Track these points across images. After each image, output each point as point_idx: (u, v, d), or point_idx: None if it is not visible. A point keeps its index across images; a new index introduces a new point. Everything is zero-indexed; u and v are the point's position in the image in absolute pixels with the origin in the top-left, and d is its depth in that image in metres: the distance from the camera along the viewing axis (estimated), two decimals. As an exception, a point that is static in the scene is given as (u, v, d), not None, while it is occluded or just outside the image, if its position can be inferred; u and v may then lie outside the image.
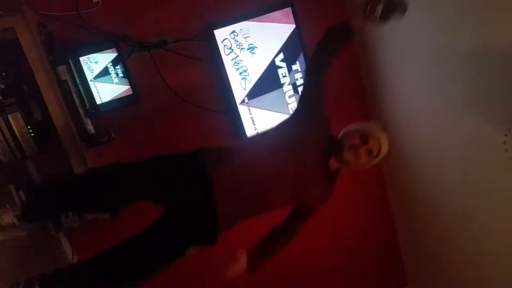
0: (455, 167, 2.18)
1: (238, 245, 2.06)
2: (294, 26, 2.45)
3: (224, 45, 2.34)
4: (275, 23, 2.43)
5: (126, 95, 2.19)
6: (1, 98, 1.79)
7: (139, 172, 1.60)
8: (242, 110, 2.44)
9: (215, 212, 1.54)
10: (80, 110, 1.93)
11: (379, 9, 1.41)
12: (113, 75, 2.15)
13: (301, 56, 2.50)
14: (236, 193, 1.55)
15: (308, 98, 1.65)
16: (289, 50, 2.48)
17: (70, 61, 1.98)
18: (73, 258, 2.18)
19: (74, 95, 1.92)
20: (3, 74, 1.80)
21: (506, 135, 1.51)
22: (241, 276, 1.60)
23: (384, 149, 1.63)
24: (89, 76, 2.11)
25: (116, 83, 2.16)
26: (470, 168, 1.87)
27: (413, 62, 2.31)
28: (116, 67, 2.14)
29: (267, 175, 1.56)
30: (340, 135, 1.68)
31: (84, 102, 2.02)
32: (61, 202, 1.73)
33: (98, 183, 1.62)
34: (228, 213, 1.56)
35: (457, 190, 2.25)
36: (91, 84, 2.11)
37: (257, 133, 2.46)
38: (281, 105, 2.53)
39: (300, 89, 2.53)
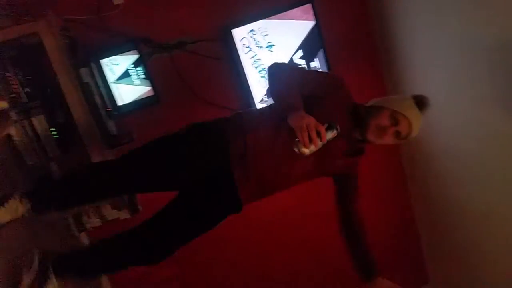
0: (478, 164, 2.11)
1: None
2: (314, 22, 2.42)
3: (243, 44, 2.34)
4: (294, 20, 2.40)
5: (147, 96, 2.22)
6: (27, 101, 1.85)
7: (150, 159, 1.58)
8: (262, 109, 2.43)
9: (232, 178, 1.49)
10: (102, 112, 1.97)
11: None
12: (134, 76, 2.18)
13: (321, 53, 2.47)
14: (257, 163, 1.48)
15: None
16: (308, 47, 2.45)
17: (92, 64, 2.03)
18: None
19: (96, 97, 1.96)
20: (28, 77, 1.86)
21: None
22: None
23: (414, 133, 1.46)
24: (111, 78, 2.15)
25: (137, 85, 2.19)
26: (494, 165, 1.79)
27: (437, 55, 2.24)
28: (137, 69, 2.17)
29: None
30: (368, 105, 1.54)
31: (106, 103, 2.06)
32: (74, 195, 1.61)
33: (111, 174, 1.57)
34: (248, 181, 1.50)
35: (480, 188, 2.18)
36: (112, 86, 2.16)
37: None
38: (301, 103, 2.50)
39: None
